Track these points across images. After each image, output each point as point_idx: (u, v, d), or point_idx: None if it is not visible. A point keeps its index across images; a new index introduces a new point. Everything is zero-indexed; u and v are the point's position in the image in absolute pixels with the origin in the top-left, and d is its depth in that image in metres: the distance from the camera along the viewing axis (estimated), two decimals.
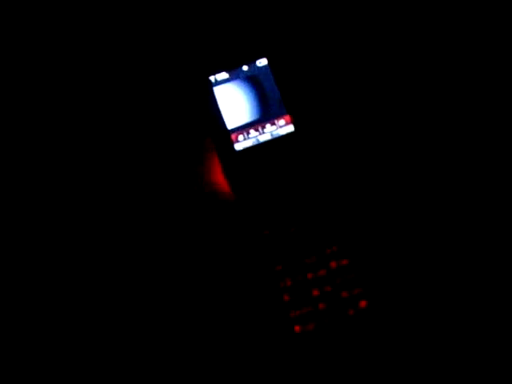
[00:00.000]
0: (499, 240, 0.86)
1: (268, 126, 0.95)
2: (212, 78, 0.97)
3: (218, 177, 0.94)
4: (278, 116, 0.95)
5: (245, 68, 0.97)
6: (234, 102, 0.96)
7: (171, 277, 0.88)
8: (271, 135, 0.95)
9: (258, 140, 0.95)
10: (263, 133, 0.95)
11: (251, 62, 0.97)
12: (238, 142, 0.95)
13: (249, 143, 0.95)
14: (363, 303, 0.85)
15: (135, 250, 0.89)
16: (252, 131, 0.95)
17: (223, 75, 0.97)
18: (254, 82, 0.97)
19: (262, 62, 0.97)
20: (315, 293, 0.86)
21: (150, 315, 0.85)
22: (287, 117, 0.95)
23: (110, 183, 0.92)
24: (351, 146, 0.94)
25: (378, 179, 0.92)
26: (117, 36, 0.94)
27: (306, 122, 0.95)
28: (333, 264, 0.87)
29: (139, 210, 0.91)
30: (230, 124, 0.95)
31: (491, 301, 0.83)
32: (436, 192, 0.90)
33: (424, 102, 0.97)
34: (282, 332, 0.84)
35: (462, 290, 0.84)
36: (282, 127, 0.95)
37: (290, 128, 0.95)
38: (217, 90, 0.97)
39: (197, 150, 0.95)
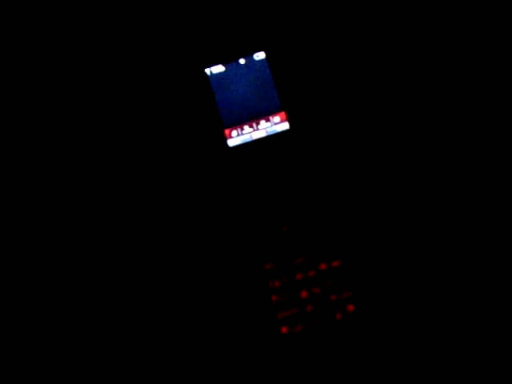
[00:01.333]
0: (489, 249, 0.86)
1: (263, 122, 0.93)
2: (207, 71, 0.95)
3: (211, 172, 0.93)
4: (274, 112, 0.94)
5: (242, 61, 0.95)
6: (228, 96, 0.94)
7: (160, 273, 0.88)
8: (266, 132, 0.93)
9: (251, 137, 0.93)
10: (257, 129, 0.94)
11: (248, 55, 0.95)
12: (231, 137, 0.93)
13: (242, 140, 0.93)
14: (351, 307, 0.85)
15: (124, 247, 0.88)
16: (246, 127, 0.93)
17: (219, 68, 0.95)
18: (250, 75, 0.95)
19: (260, 55, 0.95)
20: (303, 294, 0.86)
21: (133, 316, 0.85)
22: (283, 114, 0.94)
23: (102, 176, 0.91)
24: (347, 145, 0.93)
25: (374, 181, 0.91)
26: (112, 28, 0.91)
27: (302, 119, 0.94)
28: (322, 266, 0.87)
29: (130, 206, 0.91)
30: (224, 119, 0.94)
31: (479, 305, 0.84)
32: (429, 197, 0.90)
33: (420, 100, 0.95)
34: (268, 332, 0.85)
35: (450, 297, 0.84)
36: (277, 124, 0.94)
37: (285, 125, 0.93)
38: (212, 82, 0.95)
39: (189, 144, 0.93)
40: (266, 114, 0.94)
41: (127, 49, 0.92)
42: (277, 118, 0.94)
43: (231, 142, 0.93)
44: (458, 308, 0.84)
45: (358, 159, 0.92)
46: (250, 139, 0.93)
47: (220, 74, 0.95)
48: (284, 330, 0.84)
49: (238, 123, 0.94)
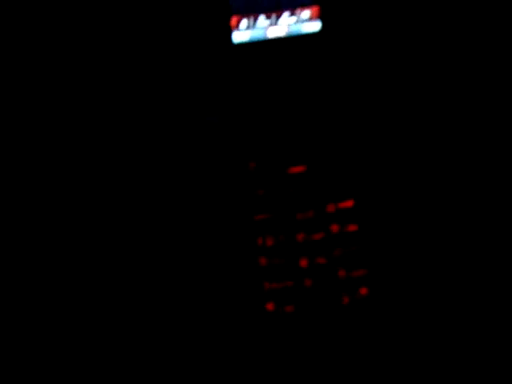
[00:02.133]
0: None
1: (285, 15, 0.66)
2: None
3: (204, 77, 0.67)
4: (303, 5, 0.66)
5: None
6: None
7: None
8: (287, 30, 0.66)
9: (266, 34, 0.66)
10: (276, 24, 0.66)
11: None
12: (238, 29, 0.66)
13: (253, 35, 0.66)
14: (363, 290, 0.62)
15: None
16: (262, 18, 0.66)
17: None
18: None
19: None
20: (303, 263, 0.63)
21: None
22: (315, 8, 0.66)
23: None
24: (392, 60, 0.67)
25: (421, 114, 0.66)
26: None
27: (341, 20, 0.67)
28: (334, 227, 0.63)
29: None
30: (233, 2, 0.66)
31: (495, 304, 0.63)
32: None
33: None
34: (249, 307, 0.62)
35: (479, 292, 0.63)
36: (305, 22, 0.66)
37: (316, 25, 0.66)
38: None
39: (183, 35, 0.66)
40: (291, 6, 0.66)
41: None
42: (306, 13, 0.66)
43: (237, 36, 0.66)
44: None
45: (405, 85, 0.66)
46: (263, 36, 0.66)
47: None
48: (270, 306, 0.62)
49: (252, 11, 0.66)
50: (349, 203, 0.63)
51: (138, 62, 0.65)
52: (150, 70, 0.66)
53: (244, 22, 0.66)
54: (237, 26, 0.66)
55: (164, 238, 0.63)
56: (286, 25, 0.66)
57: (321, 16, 0.66)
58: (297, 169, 0.64)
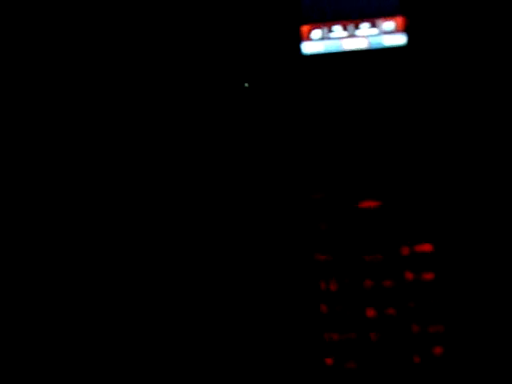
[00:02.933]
0: None
1: (364, 25, 0.58)
2: None
3: (268, 92, 0.59)
4: (385, 15, 0.57)
5: None
6: None
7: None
8: (367, 43, 0.58)
9: (342, 46, 0.58)
10: (354, 35, 0.58)
11: None
12: (310, 39, 0.58)
13: (328, 46, 0.58)
14: (438, 350, 0.54)
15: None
16: (337, 28, 0.58)
17: None
18: None
19: None
20: (370, 313, 0.55)
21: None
22: (400, 18, 0.57)
23: None
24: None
25: None
26: None
27: (429, 33, 0.58)
28: (409, 275, 0.55)
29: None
30: (305, 9, 0.58)
31: None
32: None
33: None
34: (307, 359, 0.55)
35: None
36: (387, 34, 0.58)
37: (401, 38, 0.58)
38: None
39: (245, 41, 0.59)
40: (371, 16, 0.58)
41: None
42: (389, 24, 0.58)
43: (309, 47, 0.58)
44: None
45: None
46: (339, 48, 0.58)
47: None
48: (329, 361, 0.55)
49: (325, 20, 0.58)
50: (426, 247, 0.55)
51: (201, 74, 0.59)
52: (213, 82, 0.59)
53: (317, 32, 0.58)
54: (308, 36, 0.58)
55: (219, 276, 0.57)
56: (365, 36, 0.58)
57: (406, 28, 0.57)
58: (369, 203, 0.56)
